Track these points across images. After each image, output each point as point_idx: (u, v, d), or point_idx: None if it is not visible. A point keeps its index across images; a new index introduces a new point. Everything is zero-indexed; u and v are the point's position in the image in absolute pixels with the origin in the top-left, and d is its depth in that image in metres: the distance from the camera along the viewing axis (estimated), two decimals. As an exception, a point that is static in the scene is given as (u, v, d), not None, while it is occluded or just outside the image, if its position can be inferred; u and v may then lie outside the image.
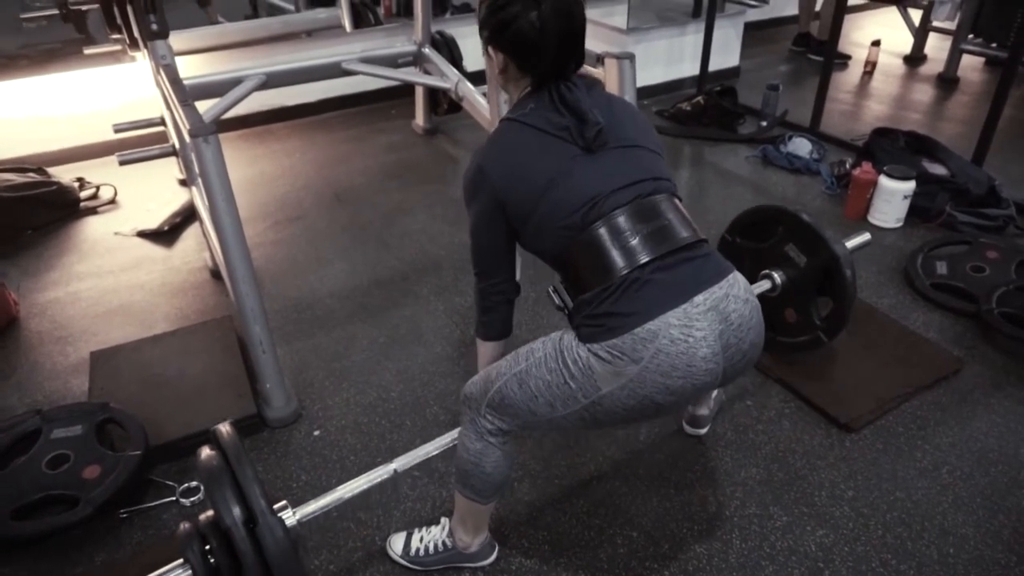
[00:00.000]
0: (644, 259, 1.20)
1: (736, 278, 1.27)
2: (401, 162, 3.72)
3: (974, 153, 3.15)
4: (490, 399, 1.35)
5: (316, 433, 2.01)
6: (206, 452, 1.32)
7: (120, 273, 2.79)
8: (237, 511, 1.21)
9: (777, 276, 2.01)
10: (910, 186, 2.87)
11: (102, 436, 1.87)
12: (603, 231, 1.22)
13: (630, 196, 1.23)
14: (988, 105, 3.05)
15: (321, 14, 4.37)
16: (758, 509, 1.76)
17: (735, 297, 1.23)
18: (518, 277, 1.46)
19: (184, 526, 1.27)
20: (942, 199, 2.94)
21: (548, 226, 1.25)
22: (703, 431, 1.95)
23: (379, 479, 1.48)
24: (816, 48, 5.10)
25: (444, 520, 1.63)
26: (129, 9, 2.58)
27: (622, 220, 1.22)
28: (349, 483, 1.46)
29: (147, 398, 2.05)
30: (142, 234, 3.05)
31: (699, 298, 1.19)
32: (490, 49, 1.31)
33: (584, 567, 1.62)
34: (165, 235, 3.05)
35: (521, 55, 1.26)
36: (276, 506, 1.30)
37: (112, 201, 3.32)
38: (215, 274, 2.71)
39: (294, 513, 1.36)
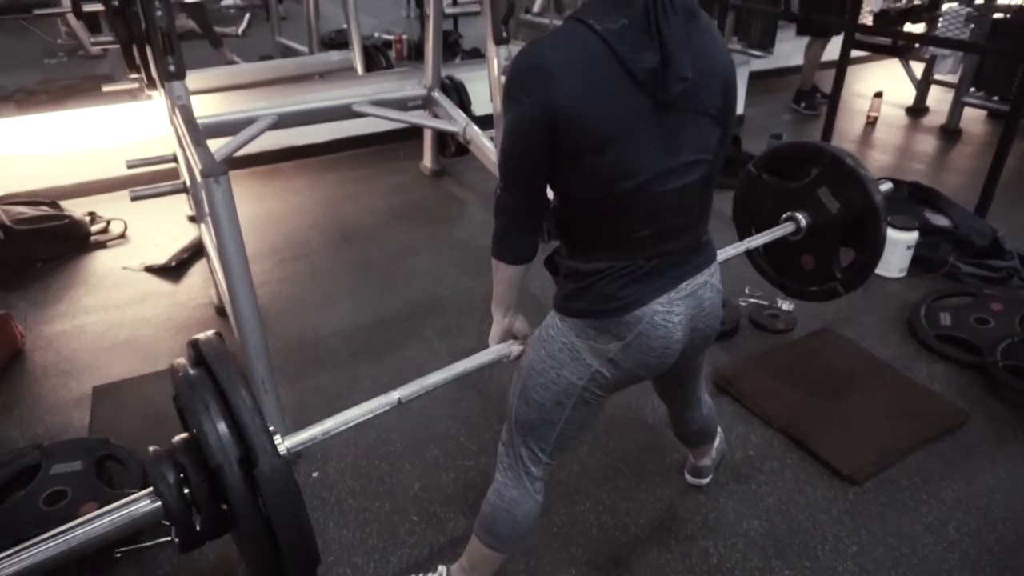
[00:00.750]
0: (651, 253, 1.19)
1: (717, 267, 1.32)
2: (408, 203, 3.76)
3: (977, 205, 3.17)
4: (516, 432, 1.39)
5: (315, 475, 2.00)
6: (180, 361, 1.11)
7: (126, 307, 2.80)
8: (230, 444, 1.02)
9: (802, 219, 1.90)
10: (913, 236, 2.88)
11: (101, 472, 1.86)
12: (642, 213, 1.14)
13: (680, 182, 1.15)
14: (991, 157, 3.08)
15: (334, 57, 4.48)
16: (760, 562, 1.73)
17: (712, 286, 1.29)
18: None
19: (153, 449, 1.10)
20: (945, 250, 2.95)
21: (592, 178, 1.12)
22: (705, 481, 1.93)
23: (381, 409, 1.31)
24: (797, 97, 5.15)
25: (441, 568, 1.61)
26: (148, 50, 2.65)
27: (661, 207, 1.15)
28: (350, 410, 1.29)
29: (148, 434, 2.02)
30: (150, 269, 3.07)
31: (683, 284, 1.24)
32: None
33: (582, 619, 1.60)
34: (172, 271, 3.07)
35: None
36: None
37: (122, 236, 3.36)
38: (220, 311, 2.72)
39: (283, 441, 1.17)
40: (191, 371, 1.09)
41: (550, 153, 1.11)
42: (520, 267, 1.28)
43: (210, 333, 1.16)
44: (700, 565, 1.72)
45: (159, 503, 1.06)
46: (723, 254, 1.59)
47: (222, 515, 1.08)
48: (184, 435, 1.09)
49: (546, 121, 1.07)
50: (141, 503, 1.09)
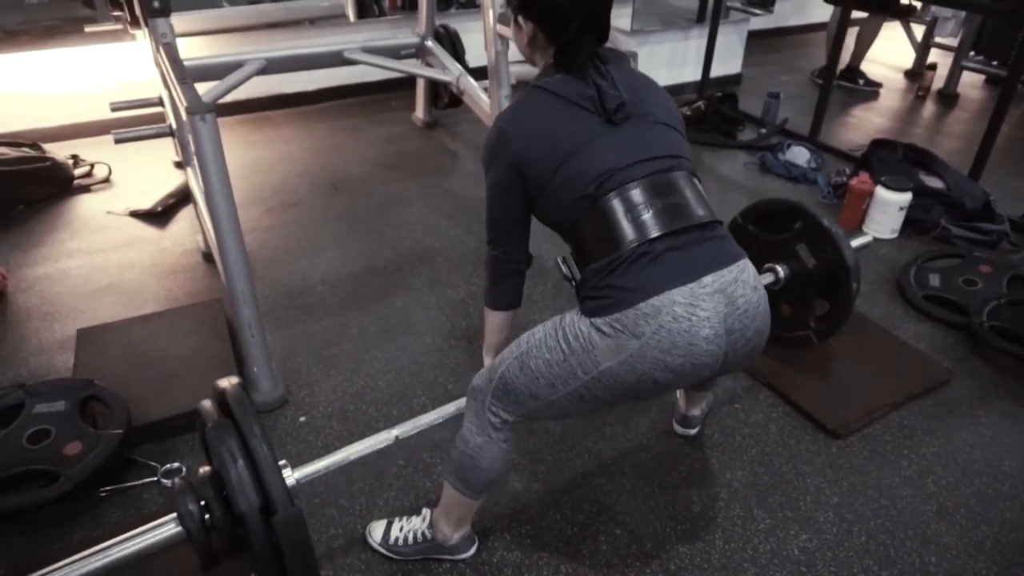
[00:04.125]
0: (655, 233, 1.20)
1: (747, 265, 1.28)
2: (399, 154, 3.70)
3: (971, 168, 3.15)
4: (495, 387, 1.36)
5: (302, 419, 2.00)
6: (207, 406, 1.25)
7: (111, 252, 2.76)
8: (254, 496, 1.15)
9: (781, 271, 2.03)
10: (906, 197, 2.87)
11: (85, 413, 1.85)
12: (616, 203, 1.21)
13: (647, 171, 1.24)
14: (987, 122, 3.05)
15: (325, 2, 4.34)
16: (742, 511, 1.75)
17: (743, 283, 1.24)
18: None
19: (179, 482, 1.23)
20: (937, 212, 2.95)
21: (563, 195, 1.25)
22: (693, 431, 1.95)
23: (380, 445, 1.46)
24: (848, 74, 4.82)
25: (426, 511, 1.62)
26: (131, -14, 2.56)
27: (636, 193, 1.22)
28: (350, 447, 1.44)
29: (132, 377, 2.03)
30: (135, 214, 3.02)
31: (708, 279, 1.20)
32: (520, 18, 1.30)
33: (565, 563, 1.61)
34: (158, 216, 3.03)
35: (550, 24, 1.26)
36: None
37: (106, 180, 3.30)
38: (207, 257, 2.69)
39: (292, 473, 1.33)
40: (217, 417, 1.23)
41: (525, 196, 1.30)
42: (508, 313, 1.48)
43: (234, 381, 1.29)
44: (683, 513, 1.74)
45: (182, 529, 1.19)
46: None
47: (236, 540, 1.20)
48: (207, 469, 1.23)
49: (515, 173, 1.28)
50: (167, 527, 1.21)
